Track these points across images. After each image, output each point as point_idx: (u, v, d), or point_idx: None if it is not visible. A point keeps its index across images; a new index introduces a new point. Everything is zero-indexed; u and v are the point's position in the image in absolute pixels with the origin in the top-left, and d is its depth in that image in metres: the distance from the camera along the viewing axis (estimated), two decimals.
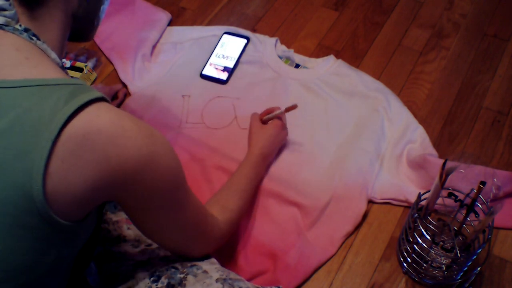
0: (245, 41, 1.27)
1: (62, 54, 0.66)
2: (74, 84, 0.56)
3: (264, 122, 1.05)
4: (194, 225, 0.73)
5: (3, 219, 0.52)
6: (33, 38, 0.60)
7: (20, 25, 0.59)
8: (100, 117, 0.54)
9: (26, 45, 0.58)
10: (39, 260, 0.56)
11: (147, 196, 0.61)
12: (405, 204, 1.02)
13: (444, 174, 0.79)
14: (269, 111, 1.06)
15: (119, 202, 0.63)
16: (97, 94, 0.55)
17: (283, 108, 1.02)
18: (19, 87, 0.53)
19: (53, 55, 0.62)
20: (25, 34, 0.59)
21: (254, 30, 1.33)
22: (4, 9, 0.58)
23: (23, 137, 0.52)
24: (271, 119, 1.04)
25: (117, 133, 0.55)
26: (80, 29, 0.72)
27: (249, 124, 1.05)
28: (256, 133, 1.01)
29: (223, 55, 1.24)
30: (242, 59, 1.24)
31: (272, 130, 1.01)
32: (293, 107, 1.01)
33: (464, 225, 0.89)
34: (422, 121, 1.13)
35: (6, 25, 0.58)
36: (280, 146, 1.06)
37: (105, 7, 0.75)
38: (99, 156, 0.54)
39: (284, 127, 1.04)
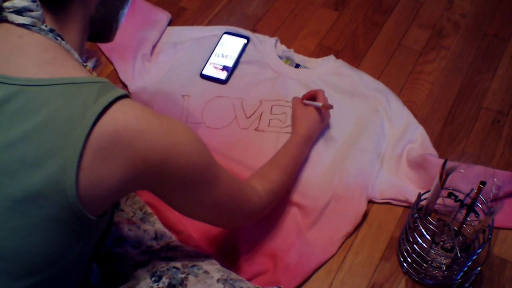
0: (245, 41, 1.27)
1: (81, 54, 0.68)
2: (99, 82, 0.58)
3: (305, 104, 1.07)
4: (229, 199, 0.75)
5: (36, 212, 0.54)
6: (58, 38, 0.61)
7: (46, 26, 0.60)
8: (126, 114, 0.57)
9: (53, 45, 0.60)
10: (65, 254, 0.58)
11: (175, 182, 0.64)
12: (405, 204, 1.02)
13: (444, 174, 0.79)
14: (311, 94, 1.07)
15: (149, 190, 0.65)
16: (121, 91, 0.58)
17: (320, 104, 1.03)
18: (50, 85, 0.55)
19: (76, 55, 0.64)
20: (50, 34, 0.60)
21: (254, 30, 1.33)
22: (31, 10, 0.59)
23: (56, 134, 0.54)
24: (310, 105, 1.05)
25: (143, 128, 0.58)
26: (99, 31, 0.74)
27: (292, 107, 1.09)
28: (301, 114, 1.04)
29: (223, 55, 1.24)
30: (242, 59, 1.24)
31: (316, 112, 1.04)
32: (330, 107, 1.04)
33: (464, 225, 0.89)
34: (422, 121, 1.13)
35: (33, 26, 0.59)
36: (322, 128, 1.08)
37: (124, 11, 0.77)
38: (128, 151, 0.57)
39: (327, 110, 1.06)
